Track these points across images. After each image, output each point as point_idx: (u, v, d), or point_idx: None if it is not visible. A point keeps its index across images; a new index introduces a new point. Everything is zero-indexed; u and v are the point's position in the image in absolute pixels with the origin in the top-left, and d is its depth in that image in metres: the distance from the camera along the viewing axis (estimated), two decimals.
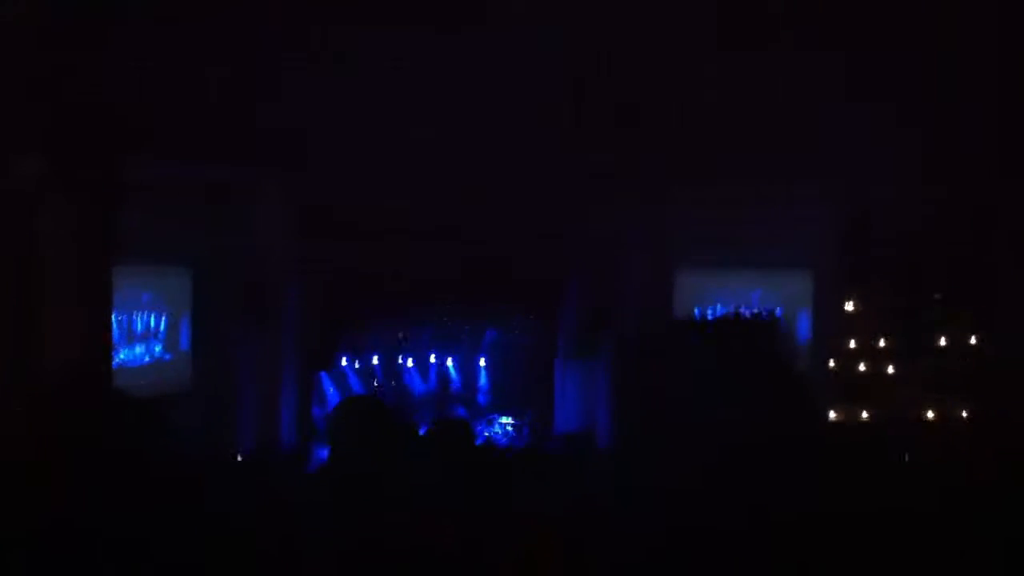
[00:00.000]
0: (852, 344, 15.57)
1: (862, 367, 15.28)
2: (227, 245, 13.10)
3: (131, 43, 7.71)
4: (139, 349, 14.00)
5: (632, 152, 11.93)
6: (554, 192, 13.23)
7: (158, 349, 14.10)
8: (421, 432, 4.42)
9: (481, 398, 16.53)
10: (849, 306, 15.90)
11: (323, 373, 15.42)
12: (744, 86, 8.82)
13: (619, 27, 7.52)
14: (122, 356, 13.12)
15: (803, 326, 15.10)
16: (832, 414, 13.91)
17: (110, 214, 8.49)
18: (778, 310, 15.04)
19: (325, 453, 4.15)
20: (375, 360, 16.23)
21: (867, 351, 15.29)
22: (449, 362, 16.62)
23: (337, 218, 13.52)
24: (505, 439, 15.44)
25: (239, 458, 10.58)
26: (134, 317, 13.72)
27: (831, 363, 14.79)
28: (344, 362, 15.88)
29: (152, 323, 14.05)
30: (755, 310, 14.92)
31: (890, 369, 15.01)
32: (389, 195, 12.88)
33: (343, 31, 7.30)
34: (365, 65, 8.14)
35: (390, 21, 6.99)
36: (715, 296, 15.31)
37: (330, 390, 15.54)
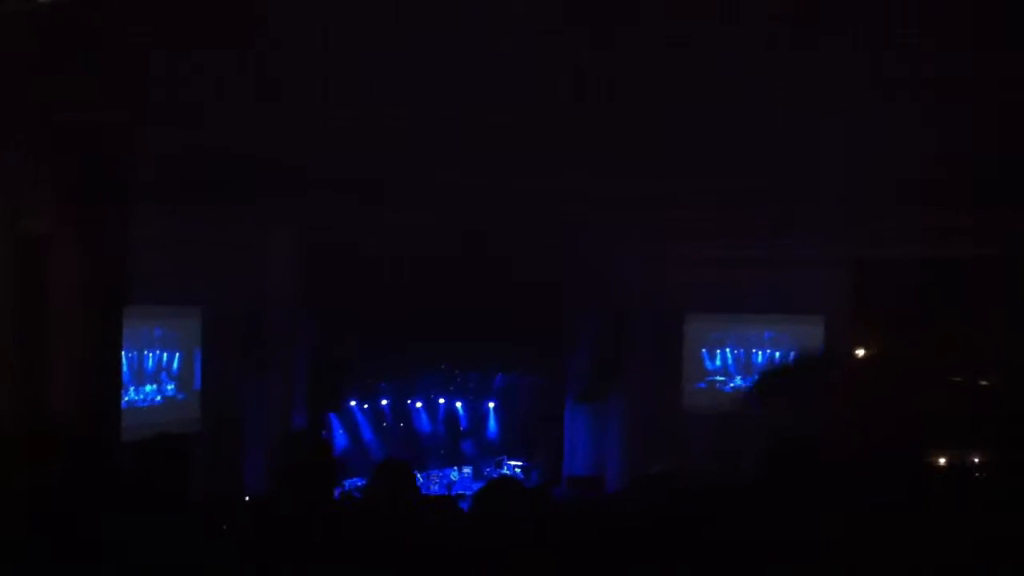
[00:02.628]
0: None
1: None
2: (235, 286, 13.18)
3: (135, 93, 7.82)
4: (150, 388, 13.96)
5: (638, 197, 12.01)
6: (560, 237, 13.31)
7: (171, 387, 13.94)
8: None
9: (490, 441, 16.49)
10: (859, 352, 15.86)
11: (332, 414, 15.41)
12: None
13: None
14: (131, 396, 13.07)
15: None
16: None
17: (119, 259, 8.56)
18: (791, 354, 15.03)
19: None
20: (384, 402, 16.22)
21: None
22: (458, 404, 16.60)
23: (342, 257, 13.58)
24: None
25: (247, 498, 10.55)
26: (145, 355, 13.61)
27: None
28: (352, 403, 15.88)
29: (164, 360, 13.92)
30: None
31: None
32: (394, 229, 12.95)
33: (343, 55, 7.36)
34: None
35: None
36: (725, 340, 15.31)
37: (338, 431, 15.52)
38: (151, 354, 13.75)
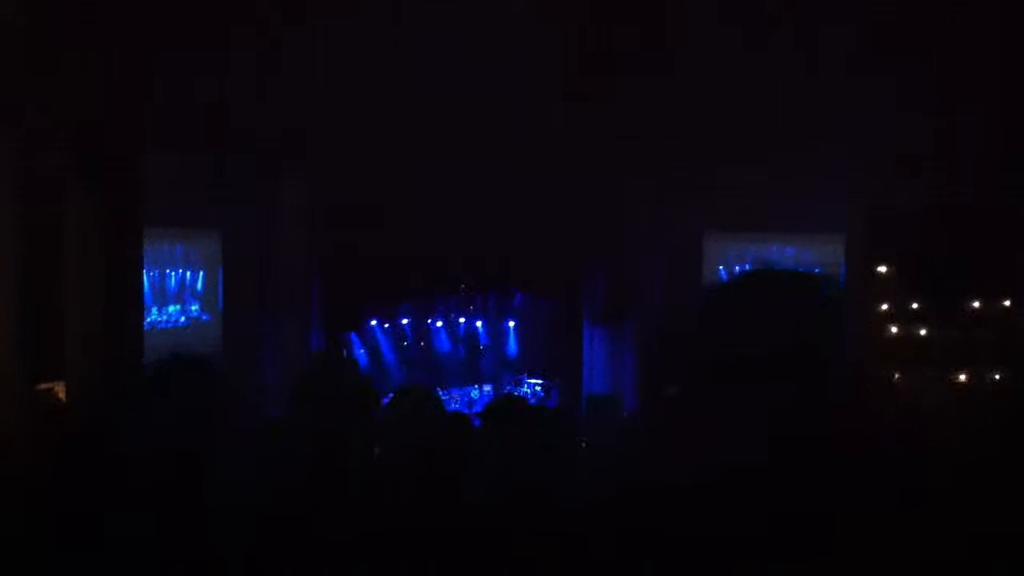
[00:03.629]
0: (884, 307, 15.49)
1: (894, 330, 15.22)
2: (255, 211, 13.19)
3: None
4: (173, 308, 13.62)
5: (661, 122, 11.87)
6: (580, 163, 13.21)
7: (195, 308, 13.77)
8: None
9: (509, 359, 16.64)
10: (881, 269, 15.80)
11: (352, 333, 15.58)
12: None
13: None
14: (154, 316, 12.83)
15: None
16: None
17: (137, 198, 8.61)
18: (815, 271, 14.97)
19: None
20: (404, 321, 16.36)
21: (898, 315, 15.21)
22: (478, 324, 16.71)
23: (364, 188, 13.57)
24: (534, 399, 15.55)
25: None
26: (167, 273, 13.31)
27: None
28: (373, 322, 16.02)
29: (188, 279, 13.64)
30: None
31: (922, 332, 14.96)
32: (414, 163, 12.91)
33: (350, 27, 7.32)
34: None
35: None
36: (745, 259, 15.26)
37: (359, 350, 15.71)
38: (173, 273, 13.49)
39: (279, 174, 13.17)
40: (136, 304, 9.75)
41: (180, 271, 13.62)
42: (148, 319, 11.94)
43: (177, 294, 13.63)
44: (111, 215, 8.32)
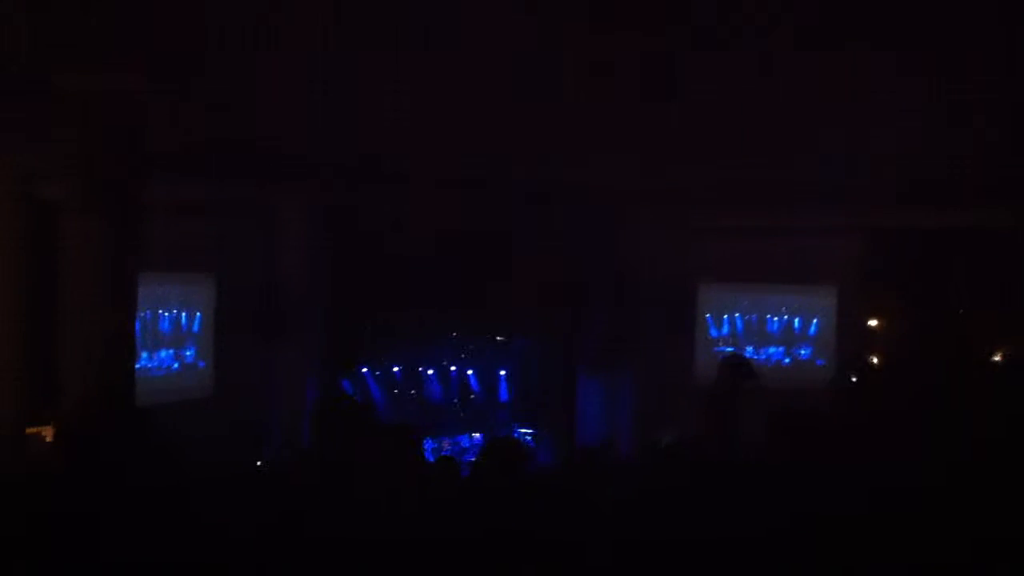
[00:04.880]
0: (874, 360, 15.51)
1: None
2: (249, 252, 13.16)
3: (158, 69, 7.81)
4: (165, 353, 12.91)
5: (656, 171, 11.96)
6: (575, 205, 13.29)
7: (189, 354, 13.30)
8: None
9: (500, 408, 16.54)
10: (872, 322, 15.83)
11: (344, 380, 15.48)
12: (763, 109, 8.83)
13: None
14: (145, 362, 12.23)
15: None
16: None
17: (132, 226, 8.56)
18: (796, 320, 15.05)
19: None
20: (396, 369, 16.28)
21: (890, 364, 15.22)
22: (469, 372, 16.64)
23: (359, 225, 13.60)
24: None
25: (259, 464, 10.61)
26: (161, 315, 12.77)
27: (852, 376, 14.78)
28: (364, 370, 15.94)
29: (184, 322, 13.13)
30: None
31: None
32: (408, 200, 12.95)
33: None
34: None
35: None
36: (739, 307, 15.28)
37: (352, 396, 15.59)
38: (167, 314, 12.92)
39: (278, 207, 13.17)
40: (128, 336, 9.62)
41: (174, 312, 13.16)
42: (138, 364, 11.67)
43: (171, 337, 13.27)
44: (108, 243, 8.26)
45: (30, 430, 9.81)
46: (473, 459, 4.32)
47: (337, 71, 7.96)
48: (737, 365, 5.51)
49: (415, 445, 4.57)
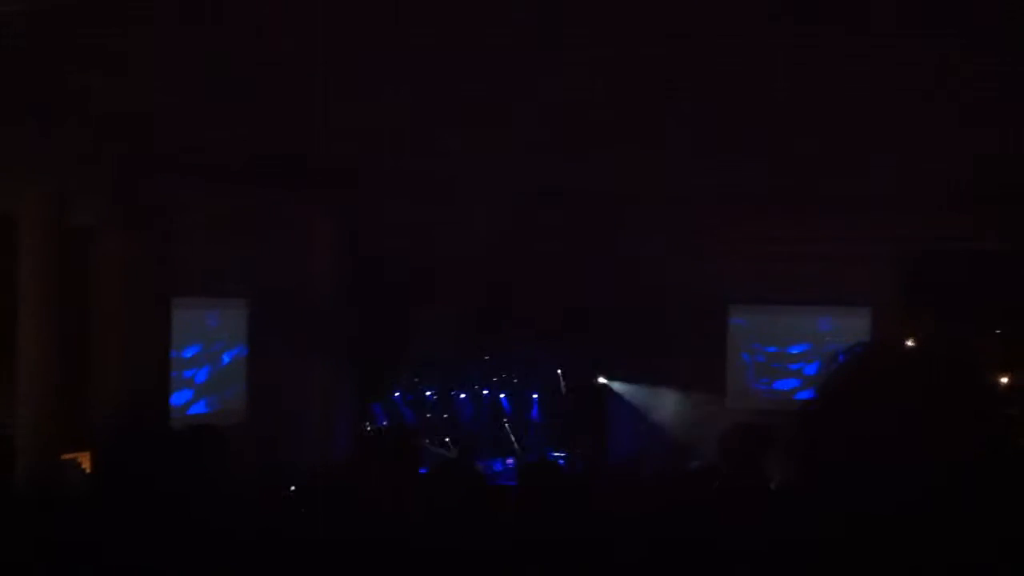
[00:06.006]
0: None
1: None
2: (282, 276, 13.22)
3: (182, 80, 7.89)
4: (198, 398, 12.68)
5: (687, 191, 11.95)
6: (608, 231, 13.29)
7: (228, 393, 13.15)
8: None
9: (533, 431, 16.49)
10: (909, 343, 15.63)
11: (376, 404, 15.51)
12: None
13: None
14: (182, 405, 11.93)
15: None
16: None
17: (166, 247, 8.65)
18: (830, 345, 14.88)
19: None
20: (428, 393, 16.28)
21: None
22: (501, 396, 16.61)
23: (390, 247, 13.66)
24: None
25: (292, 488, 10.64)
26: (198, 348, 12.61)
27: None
28: (396, 394, 15.96)
29: (224, 359, 13.02)
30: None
31: None
32: (442, 220, 12.99)
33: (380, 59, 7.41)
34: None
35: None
36: (770, 333, 15.17)
37: (383, 422, 15.61)
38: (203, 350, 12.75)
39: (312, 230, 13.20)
40: (164, 365, 9.71)
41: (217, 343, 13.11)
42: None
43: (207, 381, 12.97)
44: (143, 266, 8.34)
45: (66, 455, 9.90)
46: (514, 483, 4.33)
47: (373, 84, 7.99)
48: (744, 437, 5.28)
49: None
